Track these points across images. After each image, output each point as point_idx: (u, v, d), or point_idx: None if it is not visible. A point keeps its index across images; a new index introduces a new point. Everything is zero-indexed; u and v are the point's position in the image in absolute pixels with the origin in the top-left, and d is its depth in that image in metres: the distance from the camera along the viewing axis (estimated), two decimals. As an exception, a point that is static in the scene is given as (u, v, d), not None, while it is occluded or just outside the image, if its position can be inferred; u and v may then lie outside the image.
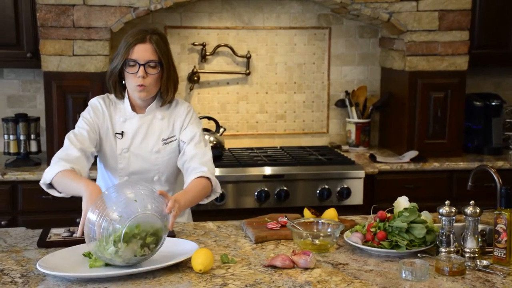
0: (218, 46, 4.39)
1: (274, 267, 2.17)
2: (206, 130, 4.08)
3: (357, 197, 3.87)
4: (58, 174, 2.44)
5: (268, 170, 3.84)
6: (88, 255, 2.21)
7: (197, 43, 4.37)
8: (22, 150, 3.92)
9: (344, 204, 3.85)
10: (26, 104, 4.33)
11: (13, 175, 3.70)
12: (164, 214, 2.20)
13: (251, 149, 4.39)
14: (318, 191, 3.84)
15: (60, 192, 2.49)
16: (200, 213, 3.42)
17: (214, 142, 4.00)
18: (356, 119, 4.48)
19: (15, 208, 3.76)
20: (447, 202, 2.27)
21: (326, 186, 3.83)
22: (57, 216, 3.63)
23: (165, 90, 2.65)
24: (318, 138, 4.63)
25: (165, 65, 2.59)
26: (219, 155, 3.98)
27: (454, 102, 4.23)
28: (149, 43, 2.57)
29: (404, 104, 4.22)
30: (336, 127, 4.65)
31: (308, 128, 4.61)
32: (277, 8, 4.48)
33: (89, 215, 2.12)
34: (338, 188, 3.85)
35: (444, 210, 2.25)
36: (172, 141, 2.73)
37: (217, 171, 3.77)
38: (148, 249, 2.13)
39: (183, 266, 2.17)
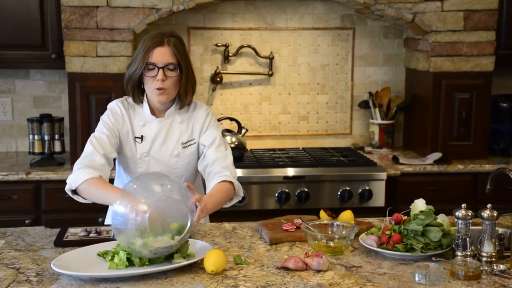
0: (241, 47, 4.39)
1: (286, 269, 2.17)
2: (228, 131, 4.08)
3: (378, 199, 3.84)
4: (86, 182, 2.45)
5: (289, 171, 3.83)
6: (102, 254, 2.22)
7: (220, 44, 4.38)
8: (46, 150, 3.97)
9: (365, 206, 3.82)
10: (52, 104, 4.38)
11: (36, 175, 3.75)
12: (189, 205, 2.20)
13: (273, 150, 4.38)
14: (339, 193, 3.81)
15: (85, 199, 2.51)
16: (220, 214, 3.39)
17: (236, 143, 4.00)
18: (379, 121, 4.44)
19: (39, 207, 3.80)
20: (463, 205, 2.23)
21: (347, 188, 3.81)
22: (79, 216, 3.66)
23: (184, 92, 2.66)
24: (341, 139, 4.60)
25: (183, 68, 2.60)
26: (240, 156, 3.98)
27: (480, 103, 4.17)
28: (167, 46, 2.57)
29: (428, 105, 4.18)
30: (360, 129, 4.62)
31: (331, 129, 4.59)
32: (300, 9, 4.46)
33: (116, 207, 2.14)
34: (360, 190, 3.82)
35: (460, 213, 2.21)
36: (191, 144, 2.73)
37: (238, 172, 3.77)
38: (172, 239, 2.14)
39: (196, 267, 2.18)
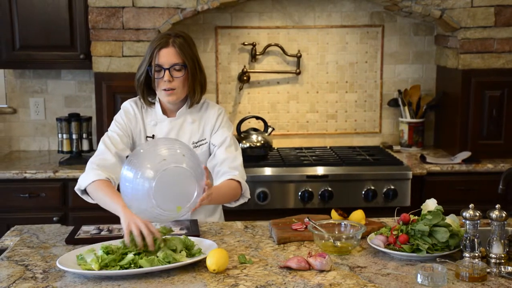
0: (269, 45, 4.39)
1: (289, 268, 2.15)
2: (254, 129, 4.08)
3: (404, 199, 3.78)
4: (93, 184, 2.49)
5: (312, 170, 3.80)
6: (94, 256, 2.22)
7: (247, 43, 4.38)
8: (74, 149, 4.04)
9: (390, 206, 3.77)
10: (82, 104, 4.46)
11: (64, 173, 3.82)
12: (200, 184, 2.21)
13: (300, 149, 4.37)
14: (363, 192, 3.77)
15: (94, 200, 2.55)
16: (242, 212, 3.42)
17: (262, 142, 3.99)
18: (408, 119, 4.37)
19: (66, 205, 3.87)
20: (471, 205, 2.18)
21: (372, 187, 3.76)
22: (106, 213, 3.67)
23: (192, 91, 2.67)
24: (370, 138, 4.55)
25: (189, 67, 2.61)
26: (265, 154, 3.97)
27: (511, 101, 4.07)
28: (172, 47, 2.59)
29: (458, 103, 4.09)
30: (389, 127, 4.56)
31: (360, 128, 4.54)
32: (328, 7, 4.43)
33: (125, 172, 2.16)
34: (384, 189, 3.77)
35: (468, 213, 2.16)
36: (203, 144, 2.74)
37: (262, 171, 3.78)
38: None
39: (199, 266, 2.18)
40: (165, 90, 2.61)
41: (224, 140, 2.71)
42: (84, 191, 2.55)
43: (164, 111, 2.74)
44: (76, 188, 2.56)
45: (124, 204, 2.30)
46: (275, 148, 4.28)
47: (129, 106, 2.74)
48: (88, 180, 2.49)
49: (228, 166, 2.66)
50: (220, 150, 2.70)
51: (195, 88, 2.66)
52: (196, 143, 2.73)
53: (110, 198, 2.41)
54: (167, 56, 2.58)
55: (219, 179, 2.64)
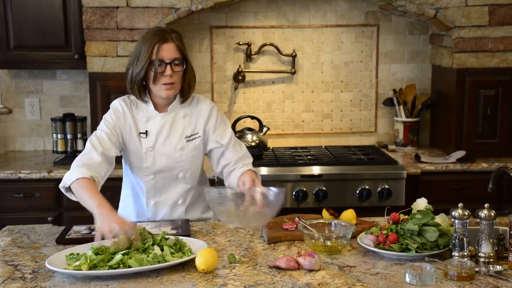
0: (264, 45, 4.38)
1: (279, 268, 2.16)
2: (249, 129, 4.08)
3: (398, 198, 3.78)
4: (76, 181, 2.49)
5: (306, 170, 3.80)
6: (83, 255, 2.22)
7: (242, 43, 4.38)
8: (69, 149, 4.04)
9: (384, 205, 3.75)
10: (78, 104, 4.46)
11: (58, 173, 3.82)
12: None
13: (295, 148, 4.36)
14: (357, 192, 3.77)
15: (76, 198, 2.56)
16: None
17: (257, 141, 3.99)
18: (404, 118, 4.37)
19: (61, 205, 3.87)
20: (460, 204, 2.18)
21: (366, 187, 3.76)
22: None
23: (188, 86, 2.72)
24: (365, 138, 4.55)
25: (188, 62, 2.66)
26: (260, 154, 3.97)
27: (506, 100, 4.06)
28: (171, 42, 2.62)
29: (452, 102, 4.09)
30: (385, 126, 4.56)
31: (356, 127, 4.54)
32: (323, 6, 4.43)
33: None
34: (379, 189, 3.77)
35: (456, 213, 2.16)
36: (196, 138, 2.77)
37: (256, 170, 3.76)
38: None
39: (189, 266, 2.18)
40: (165, 84, 2.62)
41: (229, 140, 2.79)
42: (68, 189, 2.55)
43: (156, 107, 2.75)
44: (60, 186, 2.57)
45: (100, 203, 2.35)
46: (270, 148, 4.28)
47: (118, 105, 2.75)
48: (72, 178, 2.49)
49: (242, 163, 2.78)
50: (229, 151, 2.78)
51: (190, 82, 2.71)
52: (189, 137, 2.75)
53: (89, 195, 2.41)
54: (168, 51, 2.60)
55: (238, 171, 2.74)
